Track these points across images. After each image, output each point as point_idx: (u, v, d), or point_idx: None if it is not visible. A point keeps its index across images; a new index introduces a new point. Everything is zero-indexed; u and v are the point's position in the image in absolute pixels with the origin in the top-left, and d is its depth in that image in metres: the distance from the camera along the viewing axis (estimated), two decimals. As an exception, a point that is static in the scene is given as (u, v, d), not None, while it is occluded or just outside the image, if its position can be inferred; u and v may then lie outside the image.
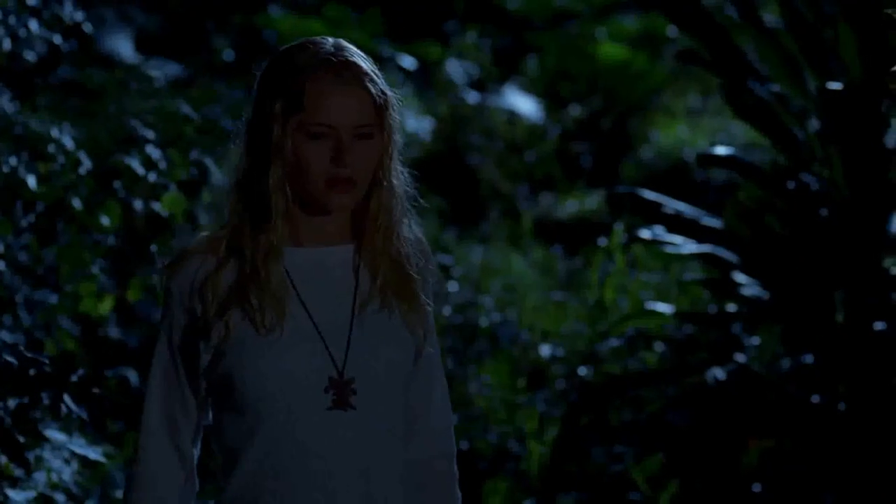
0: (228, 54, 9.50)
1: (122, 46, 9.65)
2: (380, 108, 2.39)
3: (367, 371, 2.38)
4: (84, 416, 2.72)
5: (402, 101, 2.45)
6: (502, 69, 10.91)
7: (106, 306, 4.02)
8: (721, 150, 4.14)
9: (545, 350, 5.28)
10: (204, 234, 2.43)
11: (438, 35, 11.14)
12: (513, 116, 10.23)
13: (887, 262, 4.08)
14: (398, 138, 2.45)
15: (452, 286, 5.88)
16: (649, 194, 4.29)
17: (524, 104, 10.53)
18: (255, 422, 2.34)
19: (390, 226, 2.44)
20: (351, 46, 2.43)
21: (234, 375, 2.34)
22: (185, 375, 2.39)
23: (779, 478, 4.03)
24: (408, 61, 10.21)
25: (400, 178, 2.46)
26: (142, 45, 9.87)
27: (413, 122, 9.50)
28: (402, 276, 2.44)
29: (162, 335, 2.42)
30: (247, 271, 2.35)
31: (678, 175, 9.85)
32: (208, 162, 3.82)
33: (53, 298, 4.18)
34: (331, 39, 2.43)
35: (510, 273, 7.46)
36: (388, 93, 2.43)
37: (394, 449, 2.43)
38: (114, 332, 4.32)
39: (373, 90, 2.38)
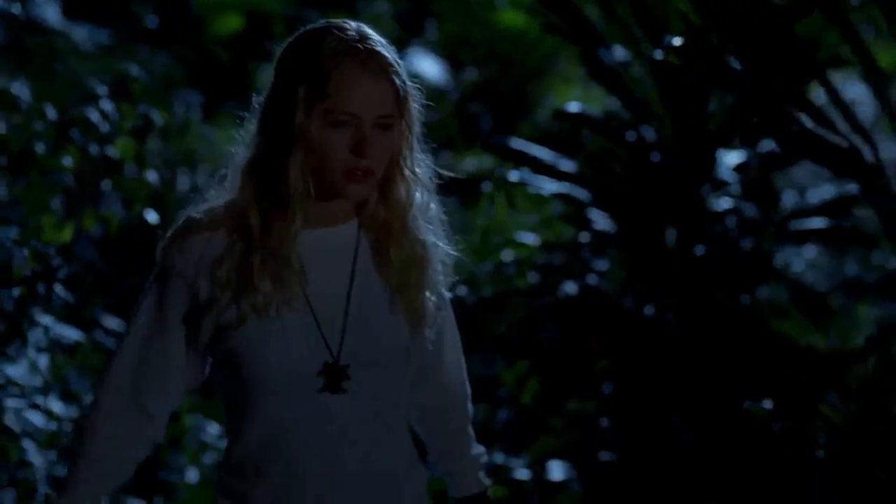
0: (151, 20, 10.03)
1: (50, 12, 10.11)
2: (401, 99, 2.38)
3: (362, 356, 2.40)
4: (71, 300, 3.52)
5: (422, 92, 2.43)
6: (405, 34, 11.11)
7: (66, 235, 4.79)
8: (572, 107, 4.99)
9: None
10: (204, 206, 2.43)
11: (347, 3, 11.28)
12: (414, 79, 10.82)
13: (709, 200, 4.96)
14: (418, 128, 2.43)
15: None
16: (516, 142, 5.13)
17: (428, 67, 10.97)
18: (255, 400, 2.37)
19: (407, 213, 2.44)
20: (374, 34, 2.41)
21: (236, 354, 2.36)
22: (172, 347, 2.40)
23: (622, 377, 4.86)
24: None
25: (421, 166, 2.46)
26: (68, 11, 10.00)
27: None
28: (413, 261, 2.45)
29: (149, 303, 2.41)
30: (258, 257, 2.36)
31: (570, 135, 10.66)
32: (153, 113, 4.59)
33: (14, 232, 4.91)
34: (353, 24, 2.40)
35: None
36: (409, 81, 2.41)
37: (392, 431, 2.45)
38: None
39: (397, 81, 2.36)
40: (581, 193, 4.95)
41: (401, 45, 10.17)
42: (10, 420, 3.77)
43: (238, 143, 2.45)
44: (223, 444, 4.83)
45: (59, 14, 9.84)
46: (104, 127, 4.60)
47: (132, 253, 6.51)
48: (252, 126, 2.43)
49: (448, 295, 2.55)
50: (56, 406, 4.16)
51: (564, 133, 5.32)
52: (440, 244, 2.50)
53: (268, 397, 2.36)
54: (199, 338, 2.39)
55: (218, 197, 2.44)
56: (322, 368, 2.36)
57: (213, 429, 4.89)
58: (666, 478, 4.50)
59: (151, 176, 4.65)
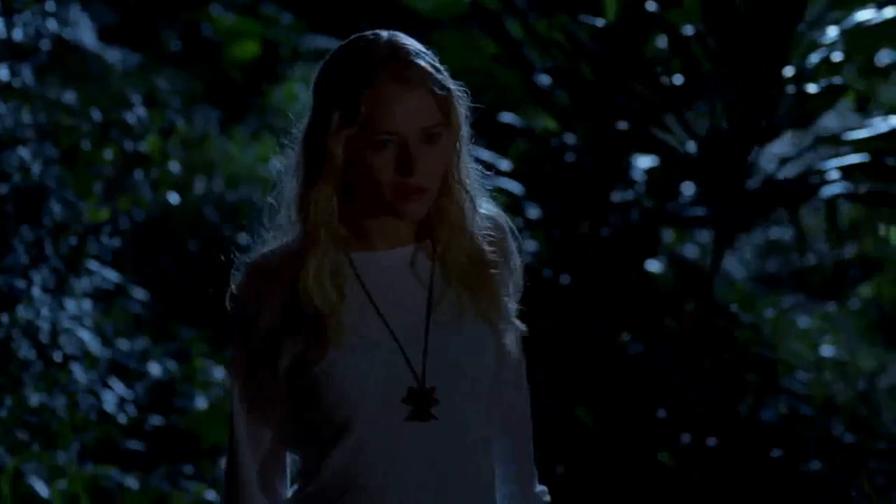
0: (176, 45, 10.83)
1: (86, 36, 11.16)
2: (445, 105, 2.24)
3: (447, 379, 2.27)
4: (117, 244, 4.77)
5: (467, 93, 2.30)
6: None
7: (104, 214, 5.99)
8: (506, 118, 6.22)
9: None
10: (263, 249, 2.34)
11: (350, 30, 12.31)
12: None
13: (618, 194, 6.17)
14: (465, 132, 2.28)
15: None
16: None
17: None
18: (335, 432, 2.25)
19: (463, 224, 2.30)
20: (407, 41, 2.26)
21: (316, 387, 2.25)
22: (269, 384, 2.31)
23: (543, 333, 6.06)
24: None
25: (470, 172, 2.32)
26: (103, 36, 10.77)
27: None
28: (477, 270, 2.32)
29: (235, 364, 2.35)
30: (302, 291, 2.26)
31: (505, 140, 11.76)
32: (176, 118, 5.84)
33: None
34: (385, 35, 2.26)
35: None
36: (452, 85, 2.26)
37: (479, 458, 2.32)
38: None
39: (436, 89, 2.22)
40: (516, 188, 6.17)
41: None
42: (63, 341, 5.03)
43: (282, 172, 2.34)
44: (228, 381, 6.11)
45: (95, 38, 10.67)
46: (138, 128, 5.83)
47: (159, 238, 7.69)
48: (294, 155, 2.31)
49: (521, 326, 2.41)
50: (93, 345, 5.42)
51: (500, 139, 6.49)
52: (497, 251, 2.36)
53: (350, 428, 2.24)
54: (280, 374, 2.29)
55: (275, 238, 2.35)
56: (406, 394, 2.25)
57: (218, 372, 6.11)
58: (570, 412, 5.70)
59: (174, 167, 5.89)
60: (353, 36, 2.27)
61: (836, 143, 4.98)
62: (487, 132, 11.22)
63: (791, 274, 8.43)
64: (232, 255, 2.39)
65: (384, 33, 2.25)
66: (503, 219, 2.38)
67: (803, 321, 7.44)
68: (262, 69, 11.19)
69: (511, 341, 2.36)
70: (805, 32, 4.95)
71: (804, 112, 4.78)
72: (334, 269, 2.28)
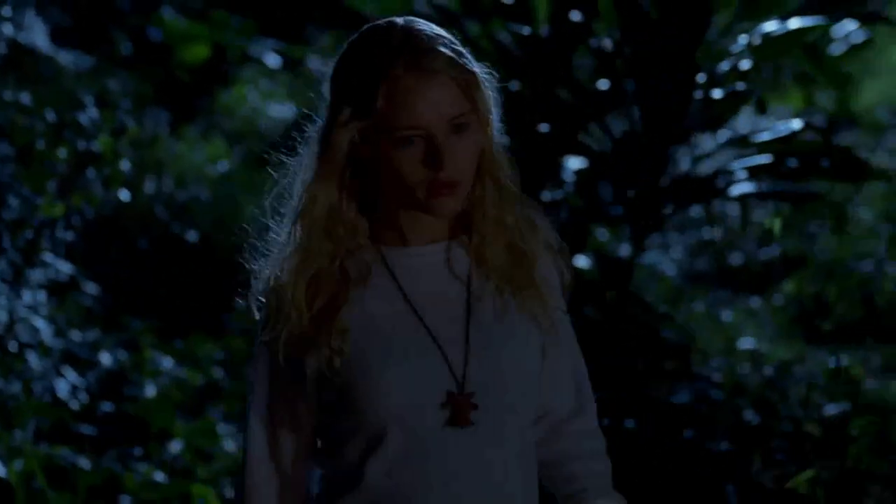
0: (127, 48, 10.92)
1: (39, 39, 11.30)
2: (470, 90, 2.09)
3: (489, 382, 2.13)
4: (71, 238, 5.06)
5: (495, 75, 2.15)
6: None
7: (59, 210, 6.22)
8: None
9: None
10: (281, 256, 2.18)
11: (301, 36, 12.09)
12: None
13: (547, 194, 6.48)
14: (496, 117, 2.15)
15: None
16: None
17: None
18: (370, 441, 2.12)
19: (500, 215, 2.17)
20: (424, 27, 2.12)
21: (349, 391, 2.12)
22: (293, 397, 2.19)
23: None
24: (274, 59, 11.23)
25: (503, 159, 2.18)
26: (55, 38, 10.56)
27: (279, 108, 10.77)
28: (518, 263, 2.18)
29: (261, 358, 2.21)
30: (326, 300, 2.13)
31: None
32: (127, 119, 6.10)
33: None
34: (400, 21, 2.11)
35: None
36: (476, 68, 2.12)
37: (523, 464, 2.19)
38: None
39: (459, 74, 2.08)
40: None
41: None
42: (19, 330, 5.30)
43: (292, 174, 2.20)
44: (177, 372, 6.39)
45: (48, 40, 10.49)
46: (90, 128, 6.07)
47: (110, 235, 7.92)
48: (309, 156, 2.17)
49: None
50: (46, 336, 5.69)
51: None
52: (538, 241, 2.23)
53: (386, 437, 2.11)
54: (307, 385, 2.17)
55: (289, 243, 2.19)
56: (446, 399, 2.11)
57: (166, 362, 6.39)
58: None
59: (125, 166, 6.16)
60: (365, 26, 2.14)
61: (744, 144, 5.31)
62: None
63: (720, 271, 8.82)
64: (246, 262, 2.23)
65: (399, 20, 2.11)
66: (543, 219, 2.24)
67: (727, 315, 7.80)
68: (211, 71, 11.31)
69: (566, 331, 2.26)
70: (717, 41, 5.28)
71: (712, 116, 5.12)
72: (329, 271, 2.15)
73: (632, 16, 5.04)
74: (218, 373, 6.42)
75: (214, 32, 11.35)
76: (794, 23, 5.11)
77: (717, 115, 5.17)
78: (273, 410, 2.22)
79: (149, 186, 8.43)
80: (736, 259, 9.05)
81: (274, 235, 2.23)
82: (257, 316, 2.22)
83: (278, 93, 11.07)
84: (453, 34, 2.16)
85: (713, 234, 8.73)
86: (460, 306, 2.16)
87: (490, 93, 2.13)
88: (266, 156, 2.20)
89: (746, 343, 6.68)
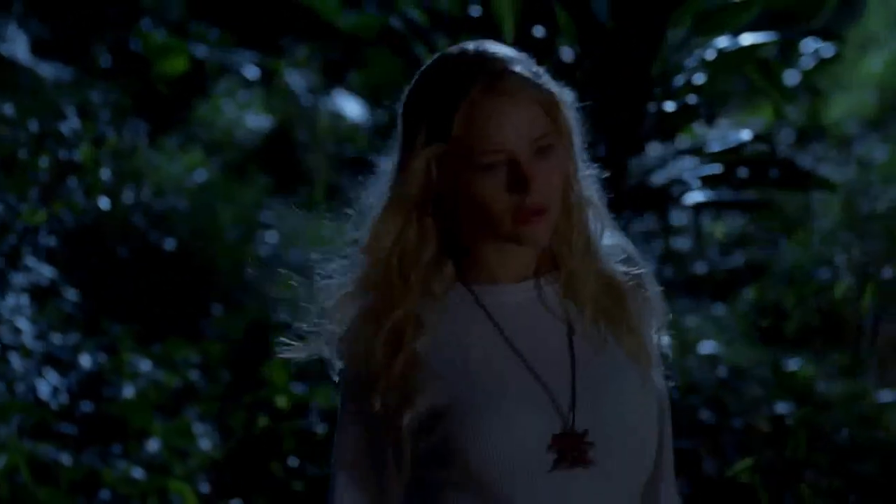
0: (106, 60, 10.91)
1: (20, 51, 11.42)
2: (551, 111, 2.01)
3: (600, 421, 2.01)
4: (53, 243, 5.26)
5: (574, 93, 2.07)
6: (332, 78, 11.97)
7: (41, 217, 6.34)
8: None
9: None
10: (365, 301, 2.06)
11: (278, 48, 12.12)
12: (336, 118, 11.66)
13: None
14: (579, 138, 2.05)
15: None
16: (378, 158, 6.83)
17: (351, 107, 11.82)
18: (473, 490, 2.00)
19: (590, 244, 2.07)
20: (498, 49, 2.03)
21: (450, 442, 2.00)
22: (383, 461, 2.07)
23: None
24: (252, 71, 11.31)
25: (589, 182, 2.09)
26: (35, 50, 10.54)
27: (256, 119, 10.95)
28: (613, 297, 2.08)
29: (345, 423, 2.08)
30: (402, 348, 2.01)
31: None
32: (107, 129, 6.30)
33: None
34: (471, 46, 2.03)
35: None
36: (555, 88, 2.03)
37: None
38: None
39: (538, 94, 2.00)
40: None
41: (323, 89, 11.44)
42: (2, 331, 5.50)
43: (365, 209, 2.08)
44: (155, 374, 6.57)
45: (29, 52, 10.51)
46: (71, 138, 6.27)
47: (90, 242, 8.08)
48: (382, 192, 2.05)
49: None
50: (27, 339, 5.88)
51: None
52: (629, 271, 2.11)
53: (490, 486, 1.98)
54: (402, 442, 2.04)
55: (358, 286, 2.09)
56: (552, 441, 1.98)
57: (144, 364, 6.58)
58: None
59: (105, 175, 6.35)
60: (436, 55, 2.07)
61: (697, 154, 5.53)
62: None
63: (686, 279, 9.04)
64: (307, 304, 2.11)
65: (471, 44, 2.02)
66: (629, 246, 2.13)
67: (691, 321, 8.01)
68: (189, 83, 11.43)
69: (658, 376, 2.10)
70: (672, 56, 5.50)
71: (665, 127, 5.34)
72: (397, 320, 2.03)
73: (590, 30, 5.24)
74: (194, 375, 6.60)
75: (193, 47, 11.50)
76: (747, 38, 5.33)
77: (670, 127, 5.37)
78: (361, 477, 2.09)
79: (128, 195, 8.46)
80: (700, 268, 9.28)
81: (341, 278, 2.11)
82: (336, 363, 2.10)
83: (255, 104, 11.27)
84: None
85: (679, 243, 8.95)
86: (560, 344, 2.05)
87: (571, 112, 2.05)
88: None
89: (707, 347, 6.89)
